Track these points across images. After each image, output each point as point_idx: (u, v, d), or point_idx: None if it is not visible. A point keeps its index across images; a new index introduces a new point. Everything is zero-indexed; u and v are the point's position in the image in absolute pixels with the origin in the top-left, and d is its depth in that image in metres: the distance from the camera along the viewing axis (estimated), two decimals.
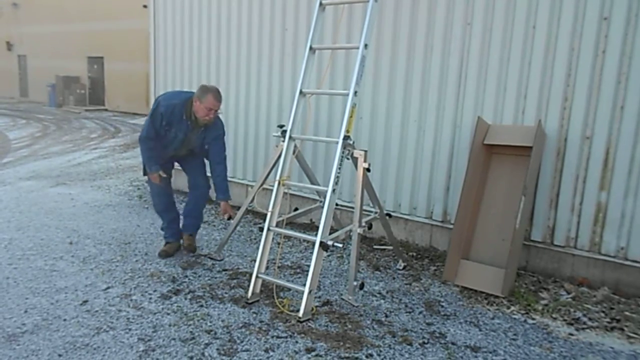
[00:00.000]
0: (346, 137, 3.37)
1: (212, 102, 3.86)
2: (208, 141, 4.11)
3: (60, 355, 2.76)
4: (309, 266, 3.32)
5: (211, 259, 4.27)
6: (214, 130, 4.09)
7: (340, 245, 3.31)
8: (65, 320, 3.16)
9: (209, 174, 4.29)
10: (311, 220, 5.31)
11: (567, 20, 3.73)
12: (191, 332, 3.07)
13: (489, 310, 3.53)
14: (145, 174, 4.19)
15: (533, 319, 3.42)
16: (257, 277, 3.51)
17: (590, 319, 3.40)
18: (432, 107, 4.40)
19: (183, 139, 4.08)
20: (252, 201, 4.07)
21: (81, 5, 21.05)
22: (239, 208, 4.31)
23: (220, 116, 4.19)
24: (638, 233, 3.64)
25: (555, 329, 3.28)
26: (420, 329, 3.23)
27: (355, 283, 3.50)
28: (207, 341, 2.97)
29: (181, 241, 4.44)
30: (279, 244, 4.48)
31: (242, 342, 2.98)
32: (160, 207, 4.37)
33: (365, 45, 3.44)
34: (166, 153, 4.16)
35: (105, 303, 3.41)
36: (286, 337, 3.04)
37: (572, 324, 3.34)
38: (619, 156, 3.65)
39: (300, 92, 3.67)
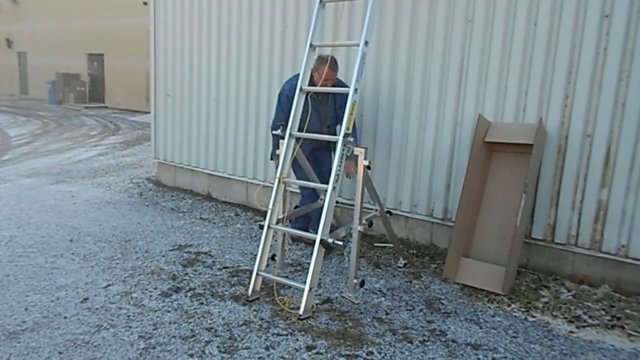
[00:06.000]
0: (346, 135, 3.36)
1: (328, 73, 3.87)
2: (339, 105, 4.10)
3: (60, 353, 2.76)
4: (309, 264, 3.31)
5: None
6: (341, 95, 3.99)
7: (341, 243, 3.30)
8: (65, 317, 3.16)
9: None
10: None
11: (568, 18, 3.72)
12: (192, 329, 3.07)
13: (489, 308, 3.53)
14: (272, 158, 4.24)
15: (533, 316, 3.41)
16: (257, 274, 3.51)
17: (590, 316, 3.40)
18: (433, 104, 4.39)
19: (315, 113, 4.10)
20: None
21: (81, 2, 21.01)
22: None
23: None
24: (639, 231, 3.63)
25: (556, 327, 3.28)
26: (421, 326, 3.23)
27: (355, 281, 3.50)
28: (207, 339, 2.97)
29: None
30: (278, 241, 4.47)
31: (242, 339, 2.98)
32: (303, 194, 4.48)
33: (366, 43, 3.43)
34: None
35: (106, 300, 3.41)
36: (287, 335, 3.04)
37: (572, 322, 3.34)
38: (620, 154, 3.64)
39: (301, 89, 3.66)
